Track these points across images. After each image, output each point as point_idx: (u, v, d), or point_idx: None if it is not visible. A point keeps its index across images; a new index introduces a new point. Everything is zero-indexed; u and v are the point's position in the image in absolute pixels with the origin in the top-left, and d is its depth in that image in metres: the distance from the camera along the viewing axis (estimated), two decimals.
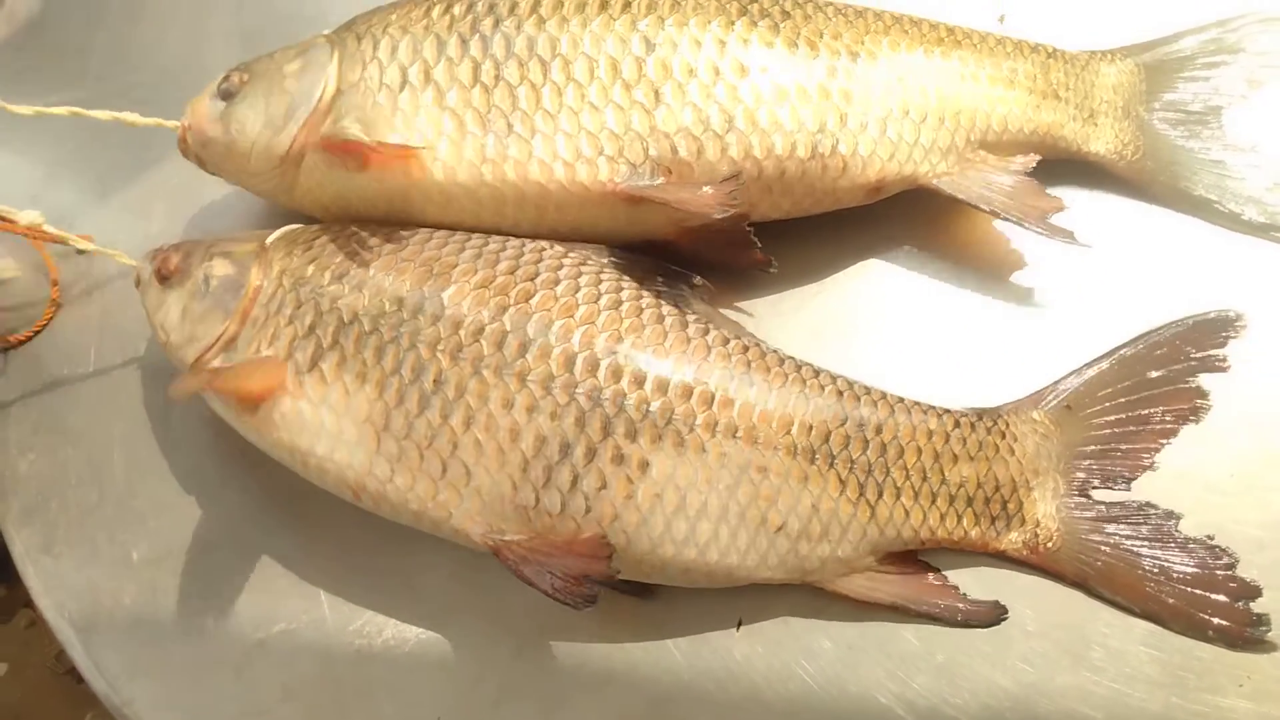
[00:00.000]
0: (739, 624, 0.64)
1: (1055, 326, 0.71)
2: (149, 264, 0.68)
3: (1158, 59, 0.74)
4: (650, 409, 0.59)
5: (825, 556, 0.61)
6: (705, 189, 0.65)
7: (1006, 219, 0.70)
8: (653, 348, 0.61)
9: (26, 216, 0.70)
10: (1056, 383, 0.66)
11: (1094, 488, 0.64)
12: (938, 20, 0.74)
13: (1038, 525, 0.63)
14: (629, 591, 0.64)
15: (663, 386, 0.60)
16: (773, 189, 0.69)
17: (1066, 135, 0.73)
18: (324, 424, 0.61)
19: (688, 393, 0.60)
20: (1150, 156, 0.73)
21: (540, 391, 0.59)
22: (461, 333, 0.60)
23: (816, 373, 0.64)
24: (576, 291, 0.62)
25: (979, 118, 0.71)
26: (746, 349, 0.63)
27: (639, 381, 0.60)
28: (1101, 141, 0.73)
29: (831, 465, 0.61)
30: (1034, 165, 0.71)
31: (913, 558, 0.64)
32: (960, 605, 0.63)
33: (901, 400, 0.64)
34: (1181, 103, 0.74)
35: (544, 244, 0.66)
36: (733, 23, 0.68)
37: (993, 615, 0.63)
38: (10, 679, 1.43)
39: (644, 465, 0.59)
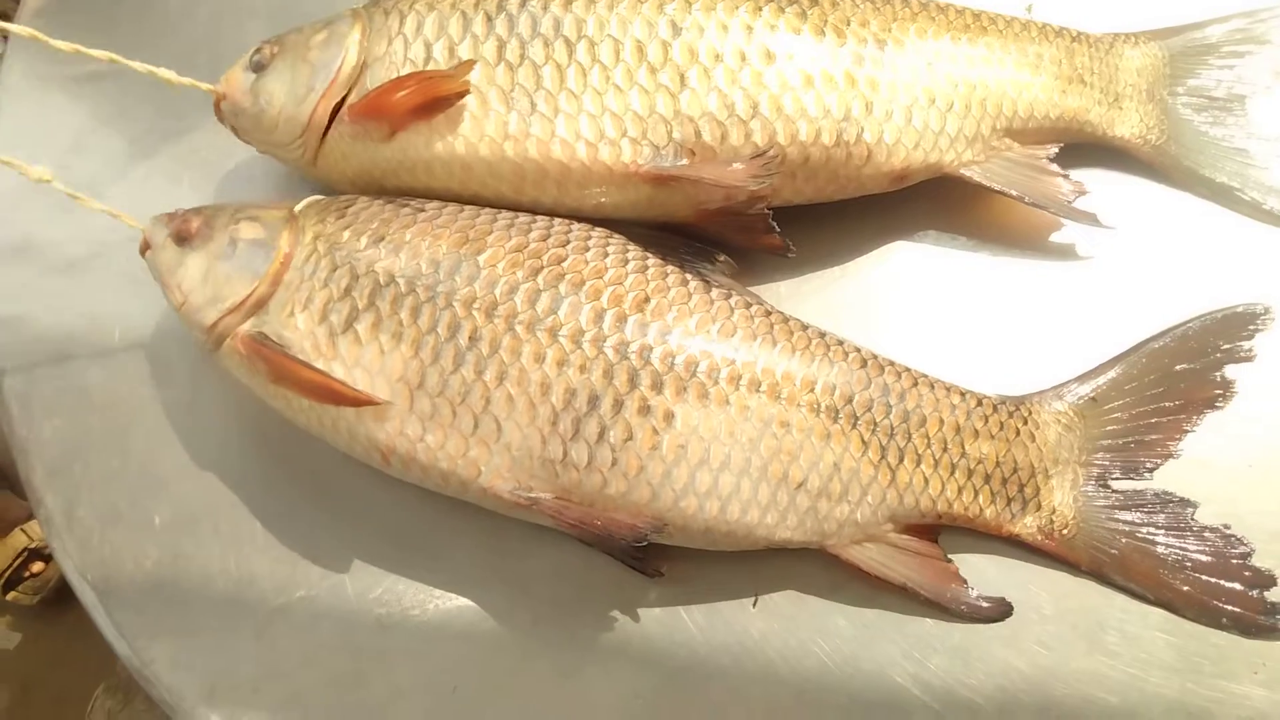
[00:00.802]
0: (755, 600, 0.65)
1: (1078, 311, 0.73)
2: (161, 228, 0.70)
3: (1183, 44, 0.75)
4: (675, 362, 0.61)
5: (844, 518, 0.62)
6: (736, 165, 0.66)
7: (1031, 204, 0.71)
8: (677, 307, 0.63)
9: (35, 172, 0.70)
10: (1083, 376, 0.67)
11: (1115, 478, 0.65)
12: (963, 5, 0.75)
13: (1054, 512, 0.64)
14: (641, 570, 0.65)
15: (688, 341, 0.62)
16: (796, 175, 0.70)
17: (1092, 120, 0.74)
18: (357, 385, 0.62)
19: (712, 349, 0.62)
20: (1174, 141, 0.74)
21: (570, 345, 0.61)
22: (496, 291, 0.62)
23: (840, 341, 0.66)
24: (605, 257, 0.65)
25: (1005, 104, 0.72)
26: (769, 313, 0.65)
27: (664, 336, 0.62)
28: (1126, 125, 0.74)
29: (854, 426, 0.63)
30: (1056, 152, 0.72)
31: (931, 539, 0.65)
32: (968, 598, 0.64)
33: (925, 375, 0.66)
34: (1205, 89, 0.75)
35: (573, 221, 0.68)
36: (760, 8, 0.69)
37: (998, 612, 0.64)
38: (23, 650, 1.45)
39: (669, 417, 0.61)
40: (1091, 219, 0.71)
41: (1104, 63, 0.74)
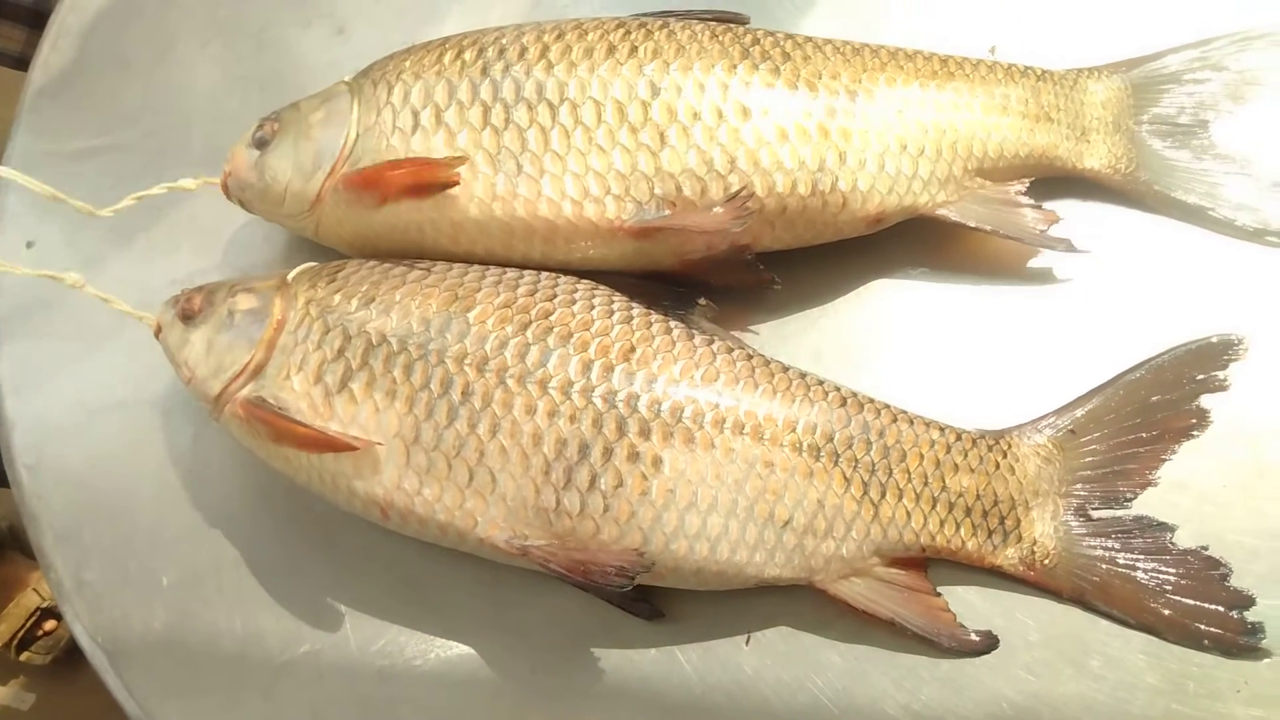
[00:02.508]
0: (748, 638, 0.67)
1: (1059, 340, 0.75)
2: (169, 309, 0.73)
3: (1144, 75, 0.79)
4: (662, 408, 0.64)
5: (830, 554, 0.65)
6: (716, 209, 0.69)
7: (1006, 237, 0.74)
8: (662, 355, 0.66)
9: (70, 278, 0.74)
10: (1061, 409, 0.69)
11: (1094, 508, 0.67)
12: (931, 52, 0.78)
13: (1035, 543, 0.66)
14: (639, 614, 0.68)
15: (672, 388, 0.65)
16: (774, 224, 0.72)
17: (1061, 154, 0.77)
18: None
19: (696, 394, 0.65)
20: (1143, 168, 0.77)
21: (560, 397, 0.64)
22: (486, 346, 0.65)
23: (820, 381, 0.68)
24: (591, 309, 0.68)
25: (975, 146, 0.75)
26: (750, 357, 0.68)
27: (650, 384, 0.64)
28: (1095, 157, 0.77)
29: (836, 463, 0.65)
30: (1027, 185, 0.75)
31: (920, 571, 0.67)
32: (955, 632, 0.66)
33: (904, 412, 0.69)
34: (1169, 116, 0.78)
35: (558, 276, 0.71)
36: (735, 66, 0.72)
37: (984, 646, 0.66)
38: (38, 711, 1.46)
39: (657, 462, 0.63)
40: (1066, 245, 0.73)
41: (1069, 98, 0.77)
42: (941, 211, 0.74)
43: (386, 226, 0.73)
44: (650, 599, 0.68)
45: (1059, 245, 0.74)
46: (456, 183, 0.70)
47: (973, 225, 0.74)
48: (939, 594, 0.66)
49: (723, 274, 0.72)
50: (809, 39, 0.76)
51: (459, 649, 0.70)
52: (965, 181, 0.75)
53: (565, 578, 0.62)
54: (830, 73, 0.73)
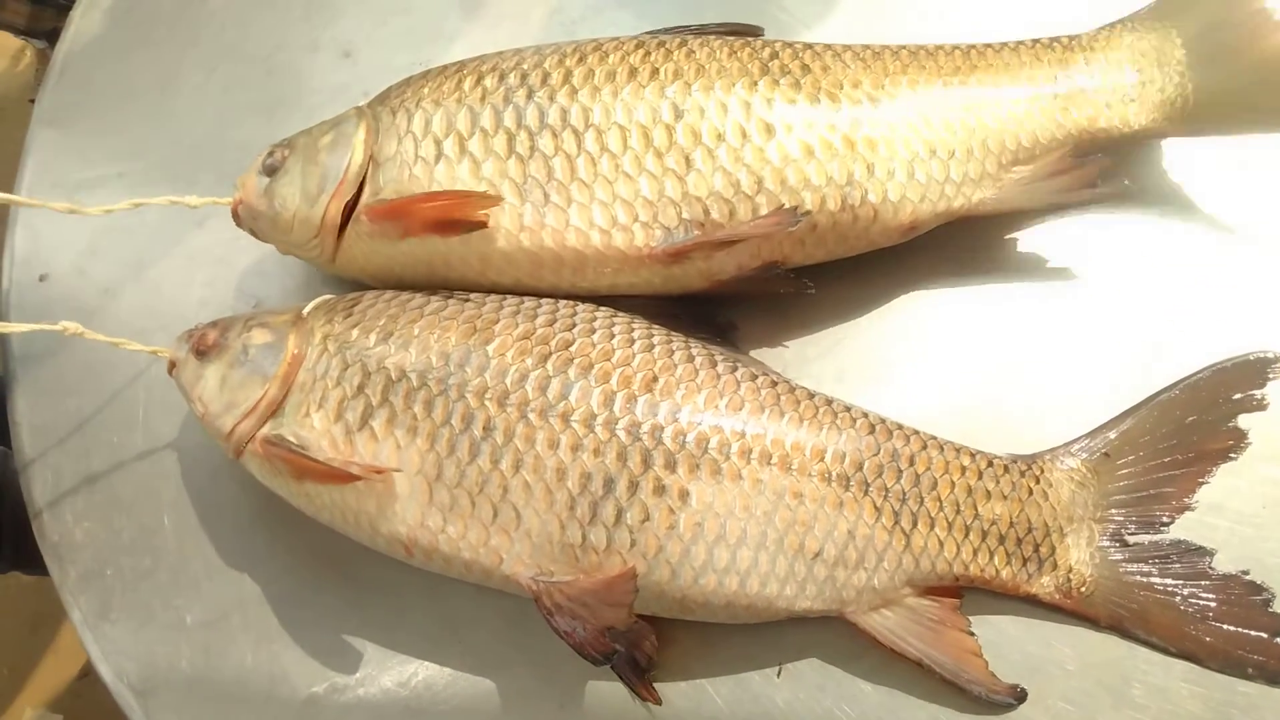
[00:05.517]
0: (779, 670, 0.68)
1: (1092, 359, 0.75)
2: (183, 345, 0.74)
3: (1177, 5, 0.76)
4: (687, 440, 0.65)
5: (861, 585, 0.66)
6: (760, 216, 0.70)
7: (1052, 207, 0.75)
8: (685, 384, 0.67)
9: (66, 327, 0.75)
10: (1094, 431, 0.70)
11: (1130, 533, 0.68)
12: (952, 46, 0.77)
13: (1070, 570, 0.67)
14: (638, 695, 0.67)
15: (697, 418, 0.66)
16: (805, 241, 0.73)
17: (1103, 125, 0.76)
18: (375, 481, 0.66)
19: (722, 424, 0.66)
20: (1201, 98, 0.74)
21: (584, 430, 0.65)
22: (507, 380, 0.66)
23: (847, 407, 0.69)
24: (612, 339, 0.69)
25: (1007, 139, 0.75)
26: (775, 384, 0.69)
27: (675, 415, 0.65)
28: (1145, 113, 0.75)
29: (866, 492, 0.66)
30: (1067, 152, 0.75)
31: (953, 599, 0.68)
32: (984, 682, 0.66)
33: (934, 438, 0.69)
34: (1215, 30, 0.74)
35: (577, 303, 0.72)
36: (755, 83, 0.73)
37: (1013, 698, 0.66)
38: None
39: (684, 495, 0.64)
40: (1121, 186, 0.73)
41: (1106, 60, 0.76)
42: (979, 209, 0.74)
43: (411, 258, 0.74)
44: (650, 683, 0.67)
45: (1109, 195, 0.73)
46: (485, 224, 0.71)
47: (1018, 209, 0.74)
48: (972, 632, 0.67)
49: (754, 287, 0.74)
50: (827, 47, 0.76)
51: (486, 684, 0.71)
52: (1001, 175, 0.74)
53: (561, 636, 0.63)
54: (851, 81, 0.74)
